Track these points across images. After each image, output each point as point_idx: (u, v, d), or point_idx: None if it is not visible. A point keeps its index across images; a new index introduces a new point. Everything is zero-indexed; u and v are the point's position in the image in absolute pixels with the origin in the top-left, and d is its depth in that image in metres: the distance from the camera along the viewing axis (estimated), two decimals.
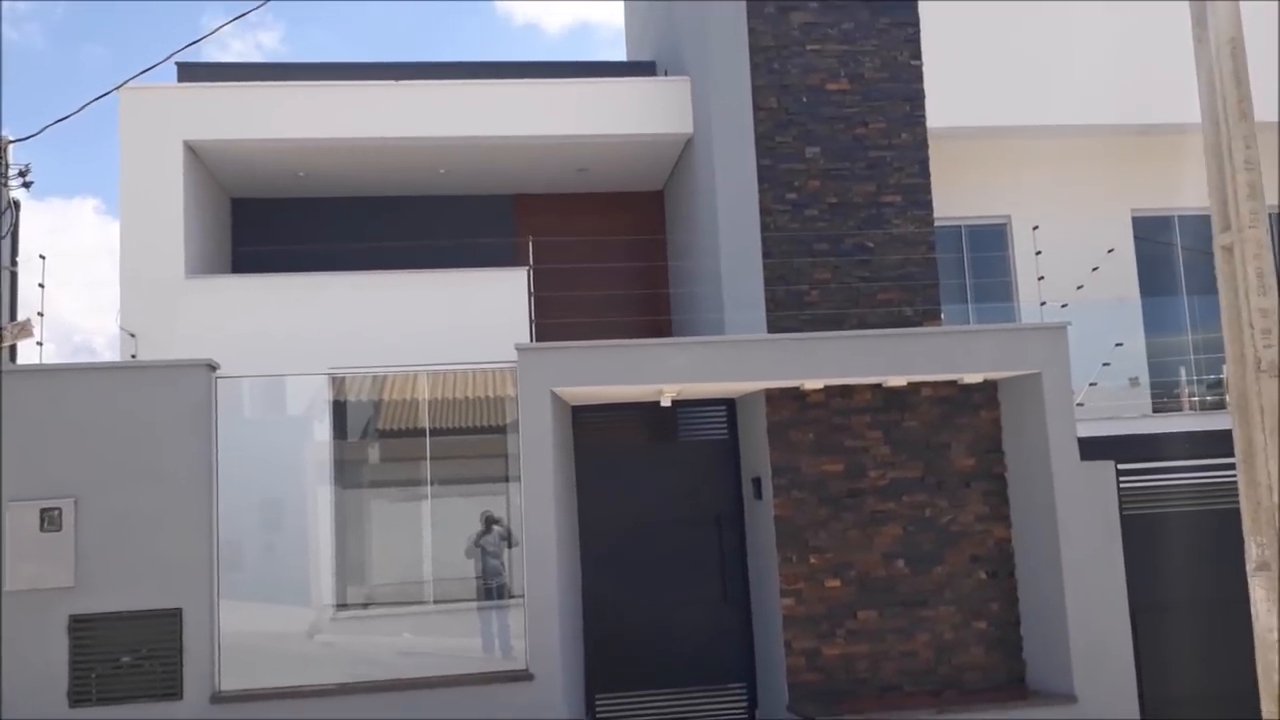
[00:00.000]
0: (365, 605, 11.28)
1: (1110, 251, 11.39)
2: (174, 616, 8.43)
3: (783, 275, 11.35)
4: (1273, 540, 5.35)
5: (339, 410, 11.31)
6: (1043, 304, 10.87)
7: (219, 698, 8.29)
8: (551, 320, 11.96)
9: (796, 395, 9.43)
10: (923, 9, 11.57)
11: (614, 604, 9.73)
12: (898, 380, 9.26)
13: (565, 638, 8.57)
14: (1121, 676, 8.72)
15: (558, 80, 12.06)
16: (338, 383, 11.26)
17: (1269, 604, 5.35)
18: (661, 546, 9.89)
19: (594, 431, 10.03)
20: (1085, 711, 8.56)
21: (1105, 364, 10.01)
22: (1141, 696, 8.79)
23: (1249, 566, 5.33)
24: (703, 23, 11.36)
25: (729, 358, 8.87)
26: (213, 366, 8.82)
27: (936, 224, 11.98)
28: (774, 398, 9.39)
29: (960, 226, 13.25)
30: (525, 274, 11.36)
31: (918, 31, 11.60)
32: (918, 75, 11.69)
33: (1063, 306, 10.38)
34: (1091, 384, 9.92)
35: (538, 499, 8.43)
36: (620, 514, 9.90)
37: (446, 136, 11.83)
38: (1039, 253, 11.24)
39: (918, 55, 11.67)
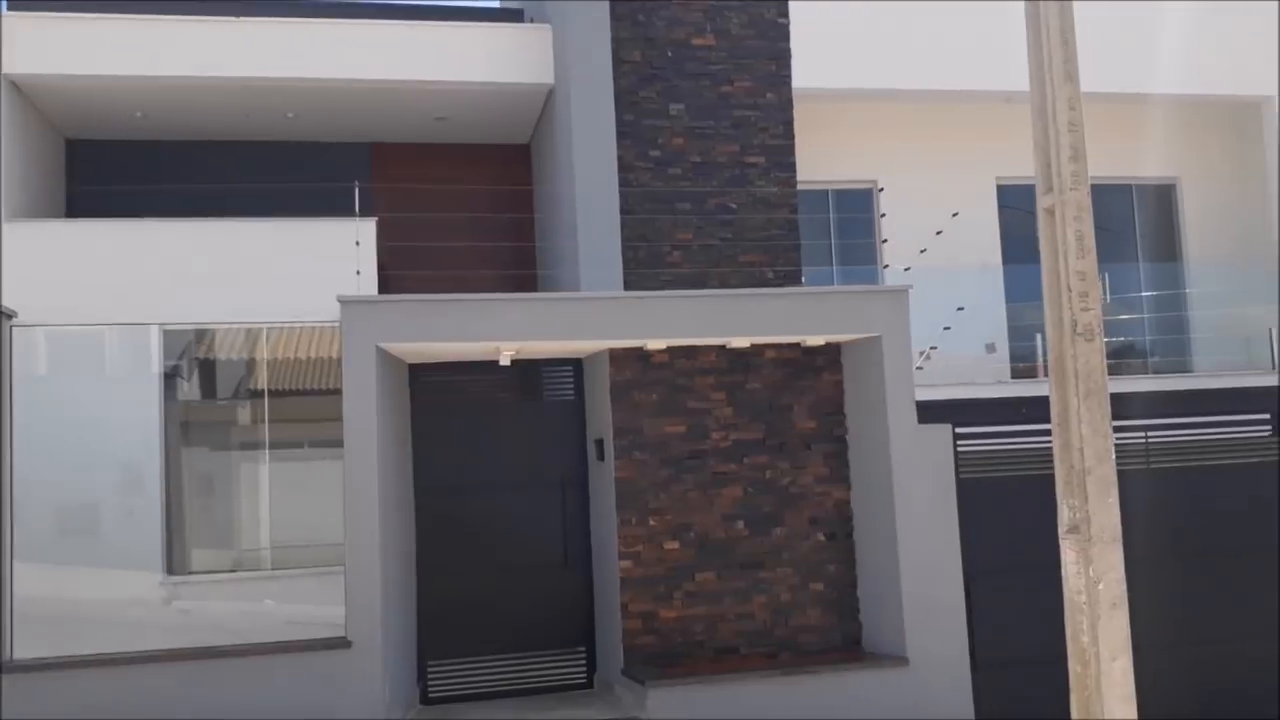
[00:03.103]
0: (208, 571, 10.86)
1: (955, 215, 11.41)
2: None
3: (644, 234, 11.10)
4: (1084, 503, 5.34)
5: (173, 367, 10.76)
6: (885, 267, 10.89)
7: (10, 667, 7.78)
8: (409, 272, 11.54)
9: (640, 356, 9.21)
10: None
11: (451, 570, 9.47)
12: (741, 342, 9.11)
13: (389, 604, 8.27)
14: (953, 639, 8.78)
15: (410, 22, 11.50)
16: (170, 337, 10.72)
17: (1078, 566, 5.35)
18: (503, 510, 9.64)
19: (434, 392, 9.69)
20: (916, 674, 8.61)
21: (946, 328, 10.04)
22: (973, 659, 8.88)
23: (1061, 529, 5.32)
24: None
25: (567, 316, 8.60)
26: (8, 314, 8.20)
27: (804, 187, 11.86)
28: (618, 358, 9.16)
29: (827, 191, 13.17)
30: (372, 225, 10.88)
31: None
32: (784, 34, 11.50)
33: (905, 270, 10.36)
34: (932, 348, 9.94)
35: (360, 462, 8.07)
36: (461, 477, 9.61)
37: (292, 78, 11.17)
38: (883, 215, 11.26)
39: (785, 13, 11.48)
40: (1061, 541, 5.38)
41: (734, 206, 11.39)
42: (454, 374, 9.65)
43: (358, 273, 9.48)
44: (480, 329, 8.39)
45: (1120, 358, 13.15)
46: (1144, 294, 12.76)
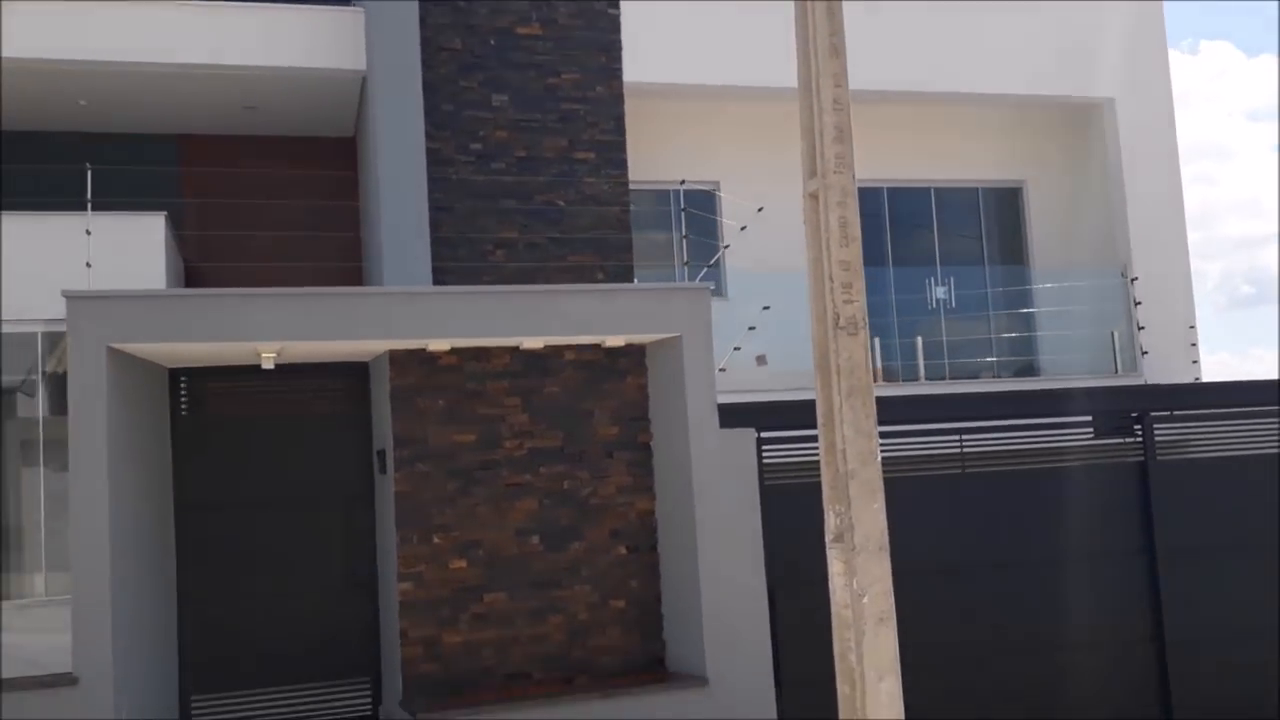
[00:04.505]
0: None
1: (760, 210, 11.00)
2: None
3: (464, 231, 10.49)
4: (848, 509, 4.85)
5: None
6: (685, 264, 10.45)
7: None
8: (227, 264, 10.72)
9: (424, 358, 8.50)
10: None
11: (218, 595, 8.64)
12: (535, 343, 8.48)
13: (126, 634, 7.40)
14: (756, 657, 8.21)
15: (206, 3, 10.68)
16: None
17: (844, 578, 4.87)
18: (279, 530, 8.85)
19: (200, 400, 8.85)
20: (716, 695, 8.02)
21: (751, 328, 9.58)
22: (778, 677, 8.32)
23: (827, 538, 4.86)
24: None
25: (335, 313, 7.86)
26: None
27: (651, 187, 11.36)
28: (399, 360, 8.44)
29: (669, 191, 12.68)
30: (162, 219, 10.02)
31: None
32: (615, 25, 11.04)
33: (710, 266, 9.90)
34: (736, 348, 9.46)
35: (87, 478, 7.19)
36: (232, 495, 8.79)
37: (75, 60, 10.30)
38: (684, 209, 10.86)
39: (615, 4, 10.99)
40: (829, 551, 4.91)
41: (561, 204, 10.82)
42: (224, 379, 8.82)
43: (88, 265, 8.61)
44: (232, 328, 7.60)
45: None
46: (989, 290, 12.49)
